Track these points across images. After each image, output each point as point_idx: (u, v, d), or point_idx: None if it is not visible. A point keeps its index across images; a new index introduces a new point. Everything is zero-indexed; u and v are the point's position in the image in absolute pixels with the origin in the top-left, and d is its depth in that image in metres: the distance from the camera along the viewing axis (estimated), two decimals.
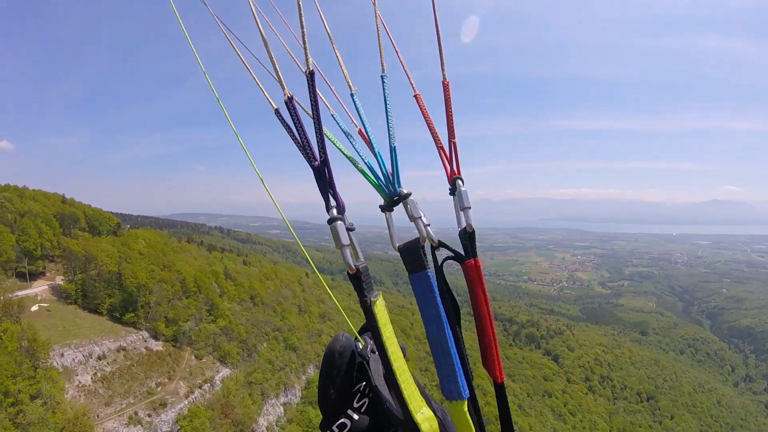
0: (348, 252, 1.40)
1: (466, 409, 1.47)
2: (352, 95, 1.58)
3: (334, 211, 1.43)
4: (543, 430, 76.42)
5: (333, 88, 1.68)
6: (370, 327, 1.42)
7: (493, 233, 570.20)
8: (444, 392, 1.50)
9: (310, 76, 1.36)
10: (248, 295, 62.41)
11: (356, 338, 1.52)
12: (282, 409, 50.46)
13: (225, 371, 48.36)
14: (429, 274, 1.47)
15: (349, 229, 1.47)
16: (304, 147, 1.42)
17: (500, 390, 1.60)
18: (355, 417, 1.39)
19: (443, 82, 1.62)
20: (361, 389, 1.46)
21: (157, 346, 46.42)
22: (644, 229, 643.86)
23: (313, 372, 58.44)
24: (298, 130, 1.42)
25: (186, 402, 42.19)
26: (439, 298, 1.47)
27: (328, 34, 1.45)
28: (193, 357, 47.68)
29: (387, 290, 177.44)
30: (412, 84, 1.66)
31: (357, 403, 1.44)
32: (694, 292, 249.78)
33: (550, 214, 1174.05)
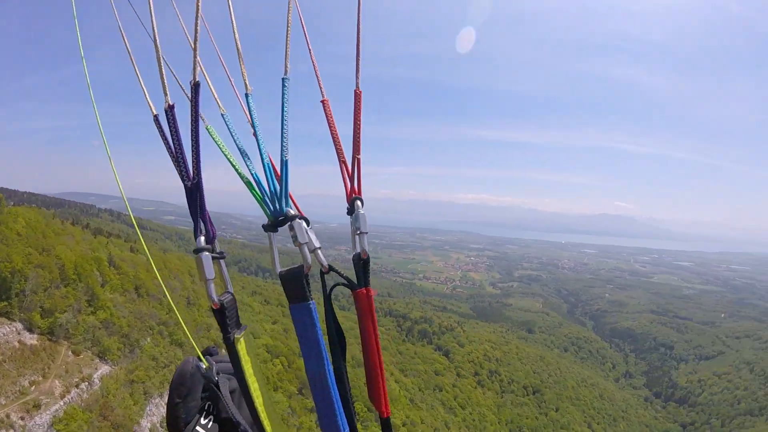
0: (212, 286, 1.34)
1: None
2: (246, 95, 1.46)
3: (202, 239, 1.35)
4: (434, 423, 79.88)
5: (234, 86, 1.52)
6: (233, 364, 1.41)
7: (393, 231, 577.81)
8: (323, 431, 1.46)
9: (195, 87, 1.26)
10: (132, 285, 58.50)
11: (200, 358, 1.46)
12: (166, 408, 48.36)
13: (105, 368, 44.63)
14: (311, 306, 1.40)
15: (218, 258, 1.41)
16: (178, 162, 1.32)
17: (386, 425, 1.59)
18: None
19: (355, 92, 1.51)
20: (207, 408, 1.45)
21: (31, 339, 41.85)
22: (537, 236, 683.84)
23: None
24: (174, 144, 1.32)
25: (62, 403, 38.77)
26: (320, 333, 1.40)
27: (233, 25, 1.32)
28: (70, 352, 43.75)
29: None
30: (320, 88, 1.55)
31: (204, 419, 1.42)
32: (579, 296, 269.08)
33: (449, 216, 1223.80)
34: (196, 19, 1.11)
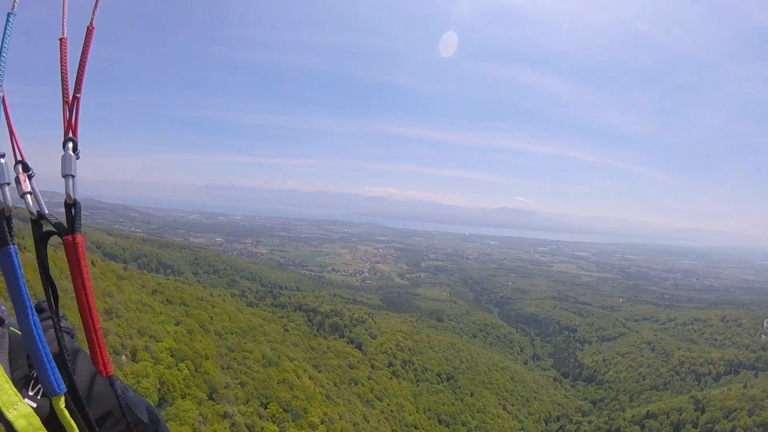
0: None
1: (62, 405, 1.39)
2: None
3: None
4: (353, 418, 77.74)
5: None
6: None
7: (300, 224, 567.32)
8: (43, 388, 1.39)
9: None
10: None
11: None
12: None
13: None
14: (10, 250, 1.32)
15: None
16: None
17: (111, 384, 1.57)
18: None
19: (88, 27, 1.48)
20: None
21: None
22: (441, 228, 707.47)
23: None
24: None
25: None
26: (22, 281, 1.32)
27: None
28: None
29: (186, 281, 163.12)
30: (63, 25, 1.48)
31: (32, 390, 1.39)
32: (484, 284, 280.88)
33: (356, 209, 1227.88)
34: None
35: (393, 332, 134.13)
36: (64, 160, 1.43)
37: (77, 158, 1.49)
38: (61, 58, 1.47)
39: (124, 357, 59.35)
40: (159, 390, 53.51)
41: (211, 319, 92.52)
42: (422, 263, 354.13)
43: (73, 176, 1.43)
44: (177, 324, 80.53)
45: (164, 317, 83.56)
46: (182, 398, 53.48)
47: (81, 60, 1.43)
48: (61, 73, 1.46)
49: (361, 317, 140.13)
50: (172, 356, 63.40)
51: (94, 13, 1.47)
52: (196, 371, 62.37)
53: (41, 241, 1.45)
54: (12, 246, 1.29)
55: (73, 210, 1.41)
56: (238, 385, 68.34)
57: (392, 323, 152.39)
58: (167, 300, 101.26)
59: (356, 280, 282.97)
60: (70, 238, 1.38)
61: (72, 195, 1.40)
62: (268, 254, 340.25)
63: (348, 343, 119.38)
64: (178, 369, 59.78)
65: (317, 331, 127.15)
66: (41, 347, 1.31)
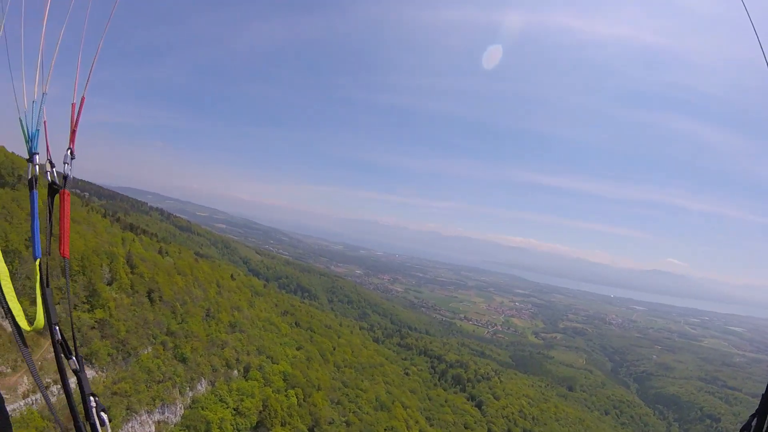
0: None
1: (37, 264, 2.38)
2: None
3: None
4: None
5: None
6: None
7: (438, 267, 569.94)
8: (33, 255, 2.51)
9: None
10: (146, 288, 52.96)
11: None
12: (153, 428, 41.66)
13: (89, 373, 39.38)
14: (34, 194, 2.98)
15: None
16: None
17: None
18: None
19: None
20: None
21: (9, 327, 37.01)
22: (584, 287, 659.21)
23: (203, 389, 49.53)
24: None
25: (22, 403, 33.10)
26: (35, 206, 2.83)
27: None
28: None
29: (320, 307, 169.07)
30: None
31: None
32: (625, 354, 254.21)
33: (495, 258, 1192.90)
34: None
35: (518, 395, 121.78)
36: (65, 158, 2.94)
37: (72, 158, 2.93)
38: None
39: (235, 372, 60.39)
40: (260, 412, 52.68)
41: (334, 349, 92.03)
42: (560, 323, 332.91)
43: (68, 164, 2.85)
44: (298, 348, 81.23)
45: (288, 339, 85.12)
46: (281, 425, 51.84)
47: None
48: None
49: (487, 373, 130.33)
50: (284, 380, 62.82)
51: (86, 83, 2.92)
52: (304, 400, 60.65)
53: (51, 194, 2.76)
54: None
55: (65, 180, 2.69)
56: (344, 424, 65.15)
57: (519, 385, 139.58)
58: (295, 323, 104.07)
59: (487, 332, 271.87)
60: (63, 191, 2.63)
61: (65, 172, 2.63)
62: (403, 293, 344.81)
63: (468, 399, 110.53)
64: (286, 395, 58.58)
65: (438, 380, 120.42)
66: (35, 226, 2.43)
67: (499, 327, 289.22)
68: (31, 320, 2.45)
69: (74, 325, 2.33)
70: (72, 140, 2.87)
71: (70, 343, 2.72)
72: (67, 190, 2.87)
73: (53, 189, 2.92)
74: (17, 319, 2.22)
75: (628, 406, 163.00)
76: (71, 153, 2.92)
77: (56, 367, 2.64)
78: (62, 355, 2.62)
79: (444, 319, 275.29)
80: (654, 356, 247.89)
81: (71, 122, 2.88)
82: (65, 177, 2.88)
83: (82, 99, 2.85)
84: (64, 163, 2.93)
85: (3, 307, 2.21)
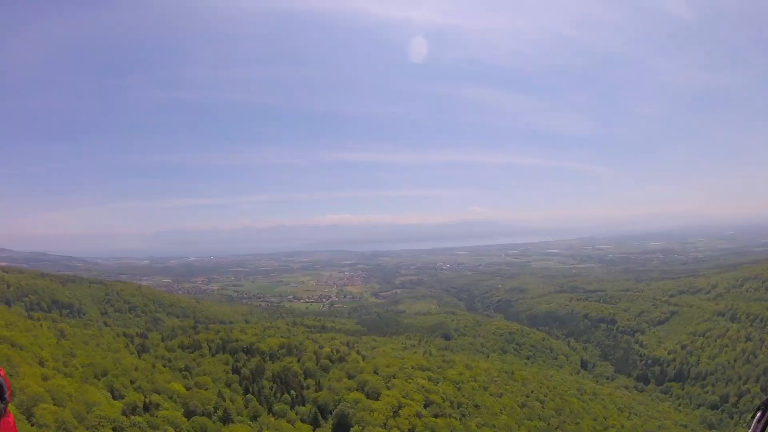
0: None
1: None
2: None
3: None
4: None
5: None
6: None
7: (257, 259, 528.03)
8: None
9: None
10: None
11: None
12: None
13: None
14: None
15: None
16: None
17: None
18: None
19: None
20: None
21: None
22: (404, 246, 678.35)
23: None
24: None
25: None
26: None
27: None
28: None
29: (86, 323, 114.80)
30: None
31: None
32: (471, 290, 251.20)
33: (316, 239, 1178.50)
34: None
35: (404, 371, 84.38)
36: None
37: None
38: None
39: None
40: None
41: None
42: (395, 280, 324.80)
43: None
44: None
45: None
46: None
47: None
48: None
49: (337, 350, 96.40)
50: None
51: None
52: None
53: None
54: None
55: None
56: None
57: (390, 352, 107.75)
58: None
59: (323, 305, 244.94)
60: None
61: None
62: (220, 290, 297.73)
63: (313, 420, 68.33)
64: None
65: (253, 388, 77.92)
66: None
67: (335, 298, 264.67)
68: None
69: None
70: None
71: None
72: None
73: None
74: None
75: (522, 336, 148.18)
76: None
77: None
78: None
79: (270, 305, 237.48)
80: (500, 285, 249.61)
81: None
82: None
83: None
84: None
85: None
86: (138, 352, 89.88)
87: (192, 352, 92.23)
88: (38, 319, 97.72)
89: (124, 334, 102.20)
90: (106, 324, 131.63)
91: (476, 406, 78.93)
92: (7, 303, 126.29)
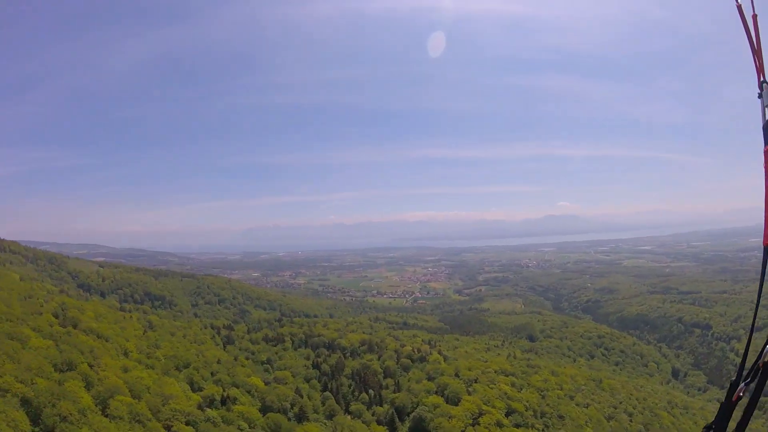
0: None
1: None
2: None
3: None
4: None
5: None
6: None
7: (343, 254, 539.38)
8: None
9: None
10: None
11: None
12: None
13: None
14: None
15: None
16: None
17: None
18: None
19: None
20: None
21: None
22: (489, 242, 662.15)
23: None
24: None
25: None
26: None
27: None
28: None
29: (174, 314, 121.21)
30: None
31: None
32: (557, 290, 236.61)
33: (401, 235, 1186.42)
34: None
35: (485, 374, 78.66)
36: None
37: None
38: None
39: None
40: None
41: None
42: (479, 277, 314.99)
43: None
44: None
45: None
46: None
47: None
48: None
49: (418, 349, 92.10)
50: None
51: None
52: None
53: None
54: None
55: None
56: None
57: (472, 353, 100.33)
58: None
59: (406, 301, 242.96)
60: None
61: None
62: (306, 284, 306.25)
63: (389, 422, 64.92)
64: None
65: (332, 385, 76.17)
66: None
67: (418, 294, 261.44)
68: None
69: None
70: None
71: None
72: None
73: None
74: None
75: (611, 340, 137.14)
76: None
77: None
78: None
79: (354, 299, 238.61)
80: (589, 284, 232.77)
81: None
82: None
83: None
84: None
85: None
86: (223, 344, 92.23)
87: (275, 345, 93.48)
88: (129, 311, 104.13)
89: (211, 326, 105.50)
90: (196, 315, 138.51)
91: (560, 416, 71.01)
92: (102, 295, 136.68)
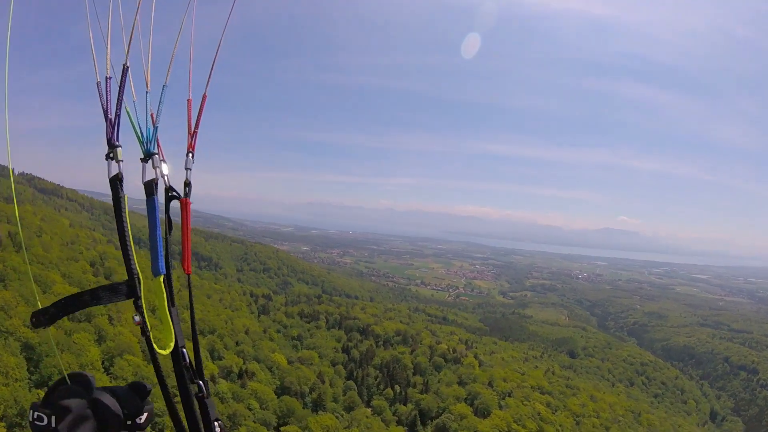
0: None
1: (162, 280, 2.04)
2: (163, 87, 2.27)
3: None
4: None
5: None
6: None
7: (392, 239, 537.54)
8: (152, 270, 2.04)
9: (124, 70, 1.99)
10: None
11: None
12: None
13: None
14: (153, 200, 2.13)
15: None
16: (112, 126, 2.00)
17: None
18: None
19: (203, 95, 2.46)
20: None
21: None
22: (539, 248, 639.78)
23: None
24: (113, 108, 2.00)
25: None
26: (157, 214, 2.13)
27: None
28: None
29: (218, 277, 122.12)
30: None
31: None
32: (605, 307, 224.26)
33: (451, 228, 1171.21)
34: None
35: (521, 388, 72.87)
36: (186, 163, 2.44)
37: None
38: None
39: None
40: None
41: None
42: (526, 281, 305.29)
43: (190, 170, 2.40)
44: None
45: None
46: None
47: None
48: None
49: (454, 349, 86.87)
50: None
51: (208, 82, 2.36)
52: None
53: (168, 201, 2.34)
54: (155, 197, 2.12)
55: (186, 188, 2.40)
56: None
57: (509, 361, 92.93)
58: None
59: (449, 295, 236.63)
60: (184, 200, 2.33)
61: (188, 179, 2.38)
62: (352, 264, 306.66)
63: (410, 424, 61.03)
64: None
65: (358, 374, 72.90)
66: (158, 238, 2.06)
67: (462, 290, 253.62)
68: (161, 344, 2.05)
69: (199, 347, 2.28)
70: (191, 143, 2.45)
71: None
72: (188, 199, 2.41)
73: (171, 197, 2.42)
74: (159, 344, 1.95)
75: (654, 369, 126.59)
76: (192, 157, 2.48)
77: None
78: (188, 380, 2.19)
79: (397, 285, 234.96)
80: (638, 306, 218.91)
81: (188, 122, 2.47)
82: (187, 184, 2.42)
83: (204, 96, 2.47)
84: (187, 169, 2.46)
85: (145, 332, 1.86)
86: (258, 313, 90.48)
87: (309, 322, 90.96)
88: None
89: (251, 294, 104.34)
90: (239, 281, 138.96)
91: None
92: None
